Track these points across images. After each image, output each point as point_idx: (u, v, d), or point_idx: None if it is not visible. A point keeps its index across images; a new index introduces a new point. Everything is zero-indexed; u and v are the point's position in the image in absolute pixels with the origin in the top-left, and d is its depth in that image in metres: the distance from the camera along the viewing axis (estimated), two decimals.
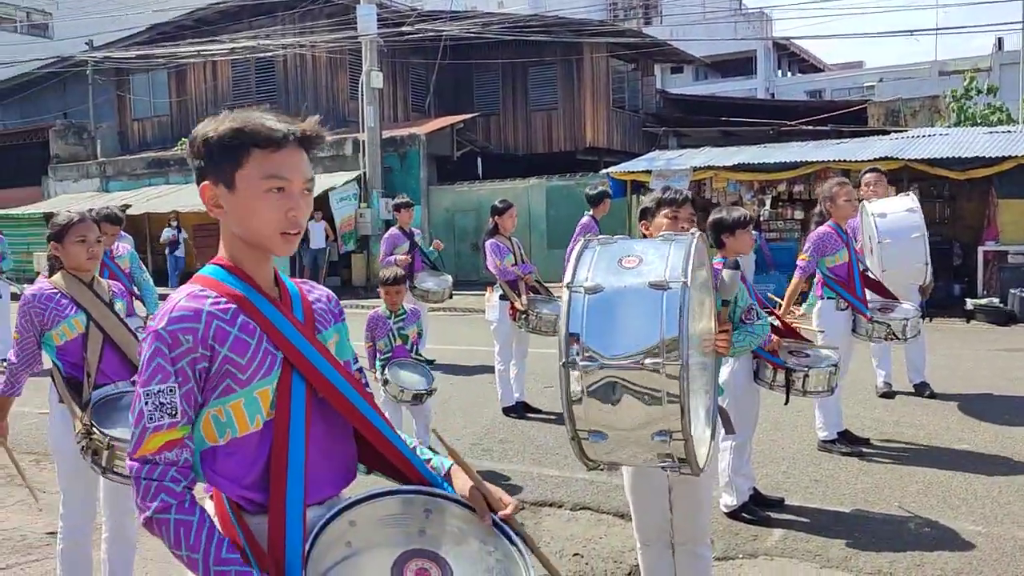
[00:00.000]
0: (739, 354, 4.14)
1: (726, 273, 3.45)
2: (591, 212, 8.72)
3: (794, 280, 6.03)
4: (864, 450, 5.91)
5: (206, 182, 1.78)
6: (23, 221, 23.91)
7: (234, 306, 1.75)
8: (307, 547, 1.70)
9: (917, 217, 6.59)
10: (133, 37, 25.74)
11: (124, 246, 6.83)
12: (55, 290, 3.72)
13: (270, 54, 22.24)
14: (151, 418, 1.68)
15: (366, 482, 1.96)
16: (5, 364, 3.73)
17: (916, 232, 6.49)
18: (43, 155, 26.12)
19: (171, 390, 1.69)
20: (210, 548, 1.64)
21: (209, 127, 1.76)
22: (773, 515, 4.81)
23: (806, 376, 4.63)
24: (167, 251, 21.16)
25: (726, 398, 3.85)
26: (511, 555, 1.79)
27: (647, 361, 2.40)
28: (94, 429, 3.45)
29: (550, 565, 1.87)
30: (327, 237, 19.33)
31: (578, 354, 2.48)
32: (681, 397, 2.40)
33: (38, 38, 30.47)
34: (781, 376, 4.61)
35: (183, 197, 21.32)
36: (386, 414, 5.31)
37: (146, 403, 1.68)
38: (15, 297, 8.23)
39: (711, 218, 4.71)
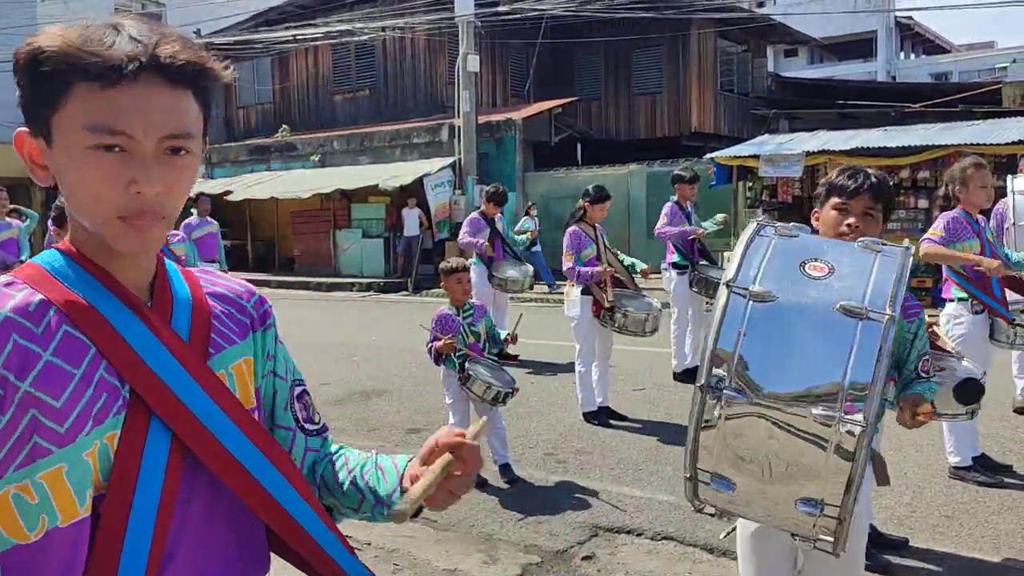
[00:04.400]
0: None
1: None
2: (675, 197, 7.99)
3: (930, 249, 4.94)
4: (1006, 479, 5.01)
5: (21, 129, 1.16)
6: None
7: (54, 312, 1.11)
8: None
9: None
10: (238, 25, 26.07)
11: (180, 235, 6.46)
12: None
13: (367, 38, 22.03)
14: None
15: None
16: None
17: None
18: None
19: None
20: None
21: (34, 40, 1.12)
22: (894, 560, 4.02)
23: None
24: None
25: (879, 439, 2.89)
26: None
27: (818, 410, 1.80)
28: None
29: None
30: (421, 224, 19.01)
31: (725, 379, 1.89)
32: (854, 468, 1.80)
33: None
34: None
35: (282, 184, 21.42)
36: (456, 418, 4.78)
37: None
38: None
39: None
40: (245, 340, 1.29)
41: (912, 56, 44.49)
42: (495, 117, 20.09)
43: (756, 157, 14.69)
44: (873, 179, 2.66)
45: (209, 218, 12.13)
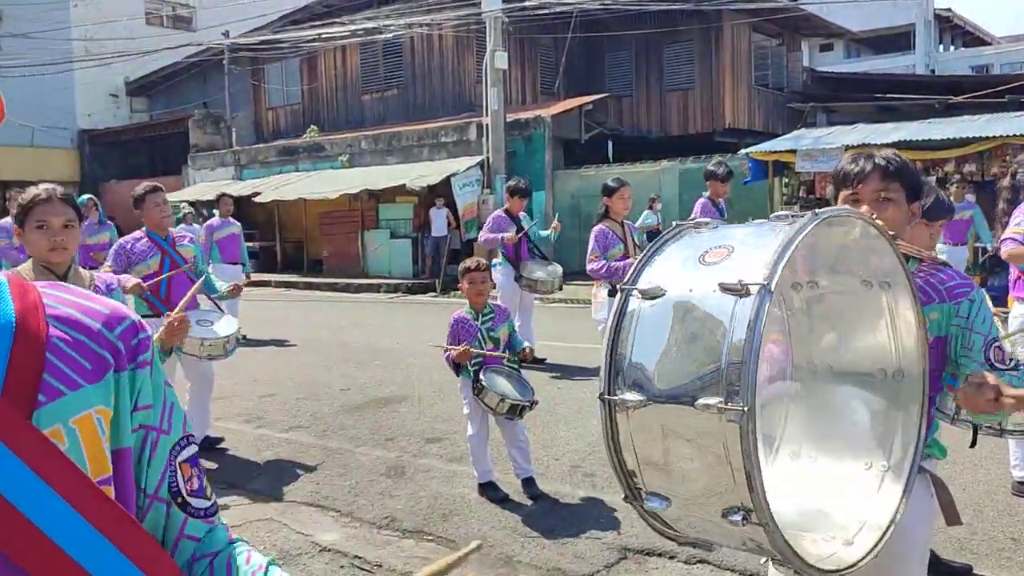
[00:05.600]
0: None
1: None
2: (707, 193, 7.62)
3: (1016, 251, 4.47)
4: None
5: None
6: None
7: None
8: None
9: None
10: (267, 26, 25.98)
11: (187, 235, 6.16)
12: None
13: (391, 36, 21.78)
14: None
15: None
16: None
17: None
18: (184, 144, 26.80)
19: None
20: None
21: None
22: None
23: None
24: None
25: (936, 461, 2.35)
26: None
27: (701, 400, 1.60)
28: None
29: None
30: (449, 224, 18.75)
31: (623, 382, 1.73)
32: (747, 460, 1.56)
33: (183, 31, 31.33)
34: None
35: (310, 184, 21.25)
36: (474, 428, 4.43)
37: None
38: None
39: None
40: (100, 382, 0.93)
41: (951, 49, 43.45)
42: (524, 115, 19.77)
43: (793, 152, 14.21)
44: (879, 159, 2.32)
45: (232, 219, 11.91)
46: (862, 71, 30.99)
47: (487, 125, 18.67)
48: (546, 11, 19.30)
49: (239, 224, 11.96)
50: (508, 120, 18.82)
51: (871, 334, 2.10)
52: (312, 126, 24.45)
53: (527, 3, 19.03)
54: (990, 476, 4.92)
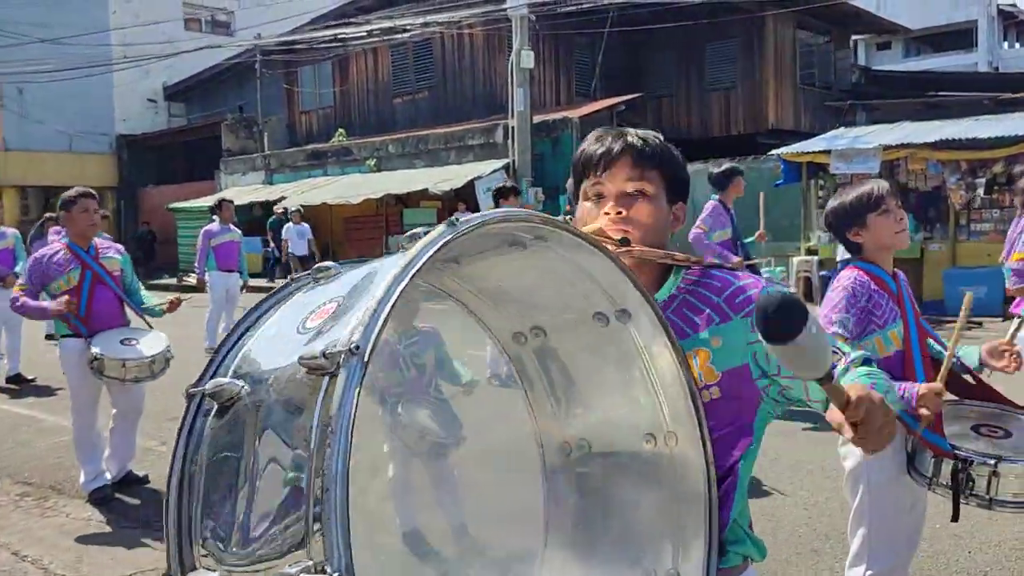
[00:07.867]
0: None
1: None
2: (719, 196, 6.91)
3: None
4: None
5: None
6: (194, 213, 24.49)
7: None
8: None
9: None
10: (298, 29, 25.75)
11: (117, 246, 5.60)
12: None
13: (410, 35, 21.24)
14: None
15: None
16: None
17: None
18: (218, 149, 26.71)
19: None
20: None
21: None
22: None
23: (994, 473, 2.57)
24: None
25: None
26: None
27: (290, 568, 0.91)
28: None
29: None
30: None
31: (196, 557, 1.07)
32: None
33: (221, 35, 31.36)
34: (948, 470, 2.61)
35: (336, 189, 20.87)
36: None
37: None
38: None
39: (828, 207, 2.95)
40: None
41: (1016, 45, 41.65)
42: (551, 116, 19.12)
43: (827, 153, 13.28)
44: (632, 138, 1.61)
45: (232, 226, 11.41)
46: (920, 69, 29.66)
47: (513, 127, 18.05)
48: (575, 7, 18.59)
49: (239, 232, 11.46)
50: (535, 122, 18.18)
51: (626, 388, 1.39)
52: (340, 129, 24.11)
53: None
54: (1003, 536, 4.08)
